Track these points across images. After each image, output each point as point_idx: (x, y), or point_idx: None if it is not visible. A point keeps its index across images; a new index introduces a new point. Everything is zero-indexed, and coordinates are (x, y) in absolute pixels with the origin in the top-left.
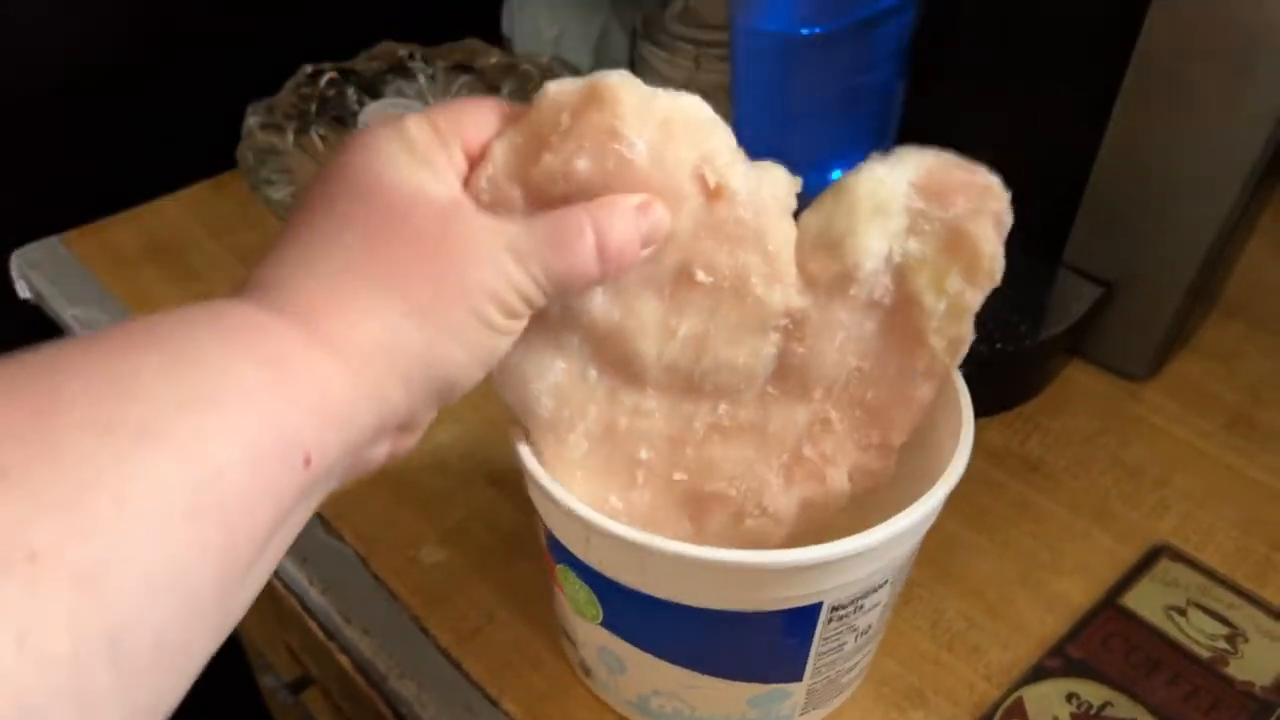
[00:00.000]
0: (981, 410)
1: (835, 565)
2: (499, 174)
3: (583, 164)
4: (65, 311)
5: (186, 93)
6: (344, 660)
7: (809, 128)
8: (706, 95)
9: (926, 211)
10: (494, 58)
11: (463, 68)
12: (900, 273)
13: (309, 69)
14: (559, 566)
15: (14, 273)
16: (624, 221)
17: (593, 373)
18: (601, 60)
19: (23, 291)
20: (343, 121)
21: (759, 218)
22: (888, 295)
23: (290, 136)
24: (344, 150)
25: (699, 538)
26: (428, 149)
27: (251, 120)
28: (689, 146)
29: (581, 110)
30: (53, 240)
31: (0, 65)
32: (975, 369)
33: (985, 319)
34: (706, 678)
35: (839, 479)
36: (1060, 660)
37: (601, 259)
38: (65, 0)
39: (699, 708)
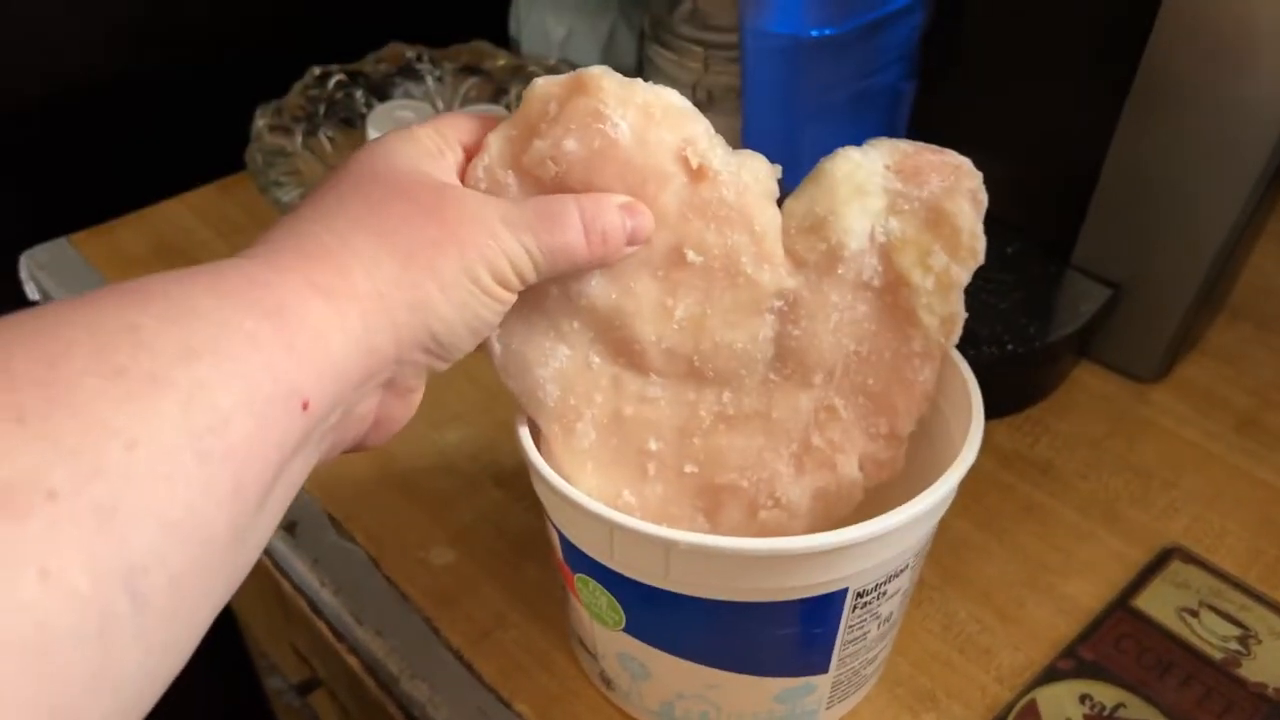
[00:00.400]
0: (991, 412)
1: (859, 549)
2: (494, 163)
3: (570, 144)
4: None
5: (195, 95)
6: (353, 661)
7: (818, 129)
8: (715, 97)
9: (904, 191)
10: (501, 60)
11: (470, 69)
12: (886, 254)
13: (317, 71)
14: (577, 576)
15: (23, 274)
16: (609, 211)
17: (595, 359)
18: (609, 62)
19: (32, 292)
20: (351, 123)
21: (742, 198)
22: (877, 277)
23: (299, 138)
24: (355, 152)
25: (714, 532)
26: (432, 147)
27: (260, 122)
28: (670, 129)
29: (567, 98)
30: (61, 241)
31: (9, 67)
32: (985, 371)
33: (994, 321)
34: (732, 675)
35: (849, 467)
36: (1072, 662)
37: (588, 237)
38: (74, 3)
39: (725, 707)
